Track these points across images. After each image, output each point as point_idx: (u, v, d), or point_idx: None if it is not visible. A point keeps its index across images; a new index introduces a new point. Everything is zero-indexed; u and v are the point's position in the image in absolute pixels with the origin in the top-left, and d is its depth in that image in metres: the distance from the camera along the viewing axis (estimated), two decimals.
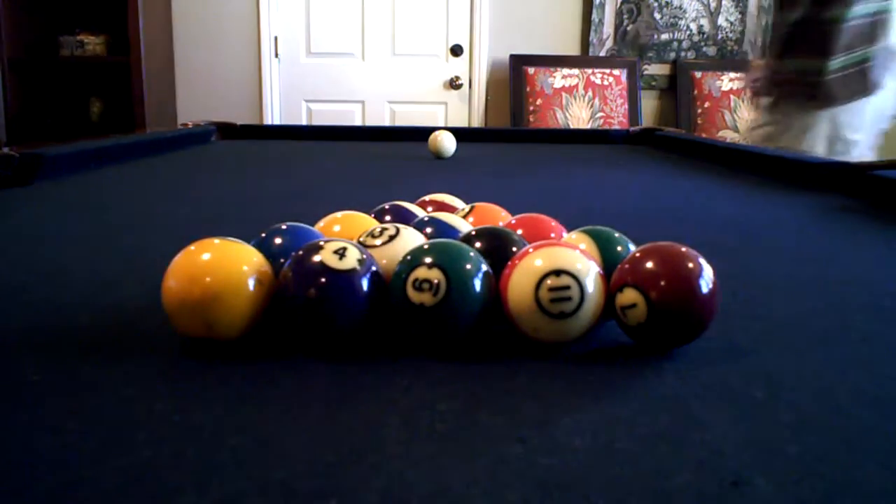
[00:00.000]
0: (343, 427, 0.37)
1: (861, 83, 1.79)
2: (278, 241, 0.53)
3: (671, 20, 3.70)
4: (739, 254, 0.82)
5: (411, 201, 0.71)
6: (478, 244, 0.52)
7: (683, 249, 0.46)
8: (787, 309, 0.60)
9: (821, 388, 0.43)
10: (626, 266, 0.47)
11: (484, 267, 0.47)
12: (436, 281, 0.45)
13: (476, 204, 0.67)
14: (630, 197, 1.28)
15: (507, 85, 3.56)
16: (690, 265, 0.45)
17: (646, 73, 3.71)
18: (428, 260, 0.45)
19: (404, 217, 0.65)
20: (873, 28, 1.78)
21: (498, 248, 0.51)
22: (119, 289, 0.62)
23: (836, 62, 1.79)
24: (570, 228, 0.58)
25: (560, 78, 3.51)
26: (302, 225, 0.55)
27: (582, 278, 0.45)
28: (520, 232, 0.59)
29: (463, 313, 0.45)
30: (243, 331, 0.47)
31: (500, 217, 0.65)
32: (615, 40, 3.68)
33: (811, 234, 0.90)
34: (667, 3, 3.69)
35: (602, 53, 3.67)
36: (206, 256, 0.47)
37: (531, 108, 3.48)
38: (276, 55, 3.59)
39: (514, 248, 0.51)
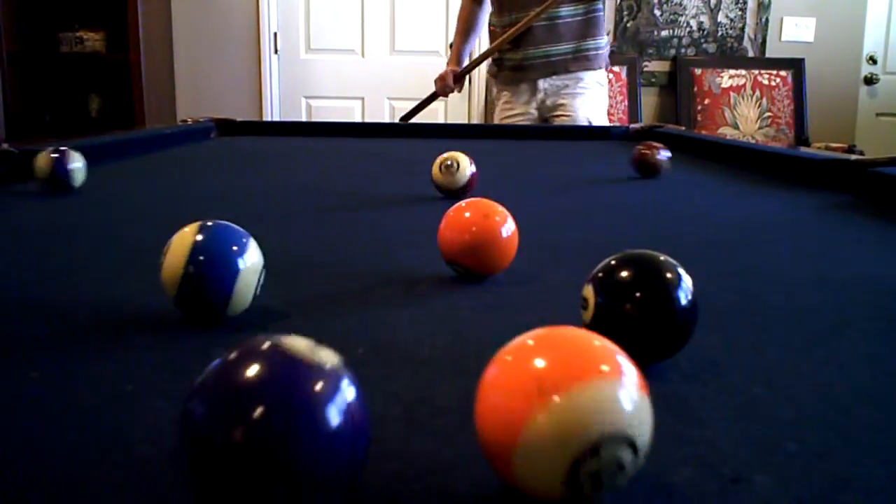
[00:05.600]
0: None
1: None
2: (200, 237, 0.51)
3: (671, 17, 3.70)
4: (739, 251, 0.82)
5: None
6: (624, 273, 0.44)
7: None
8: (786, 306, 0.60)
9: (820, 385, 0.43)
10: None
11: None
12: None
13: (470, 199, 0.67)
14: (630, 195, 1.28)
15: None
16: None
17: (646, 69, 3.70)
18: None
19: None
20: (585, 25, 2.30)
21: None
22: (119, 285, 0.62)
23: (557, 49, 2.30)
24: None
25: None
26: (227, 223, 0.53)
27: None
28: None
29: None
30: None
31: (495, 212, 0.64)
32: (615, 37, 3.67)
33: (811, 230, 0.90)
34: None
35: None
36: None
37: None
38: (276, 51, 3.58)
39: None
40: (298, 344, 0.28)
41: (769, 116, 3.64)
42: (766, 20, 3.75)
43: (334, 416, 0.26)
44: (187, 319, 0.51)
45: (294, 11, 3.58)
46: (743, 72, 3.65)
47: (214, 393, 0.27)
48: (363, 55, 3.63)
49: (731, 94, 3.63)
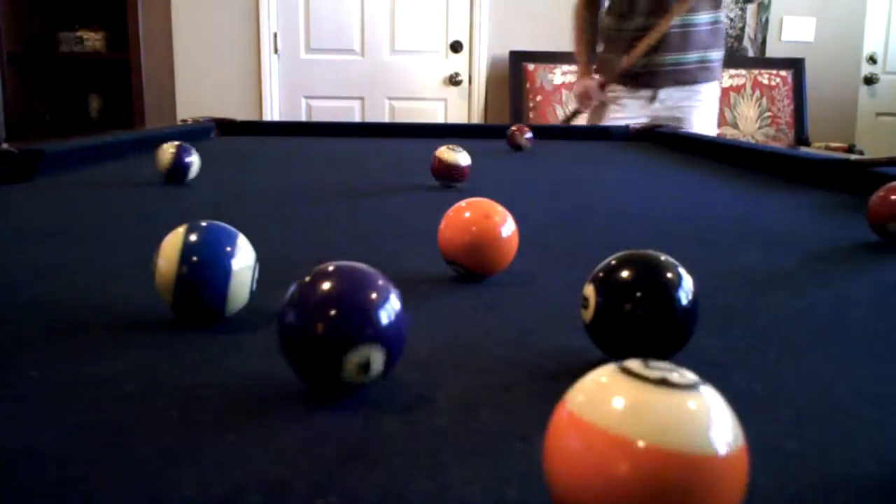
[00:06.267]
0: (343, 423, 0.37)
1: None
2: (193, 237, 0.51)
3: None
4: (739, 250, 0.82)
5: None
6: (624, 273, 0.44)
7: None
8: (786, 306, 0.60)
9: (820, 385, 0.43)
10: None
11: None
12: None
13: (470, 200, 0.67)
14: (631, 194, 1.28)
15: (506, 81, 3.55)
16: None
17: None
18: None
19: None
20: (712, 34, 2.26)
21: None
22: (118, 285, 0.62)
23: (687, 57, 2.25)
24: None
25: (560, 74, 3.50)
26: (216, 222, 0.53)
27: None
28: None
29: None
30: None
31: (495, 212, 0.64)
32: None
33: (811, 230, 0.90)
34: None
35: (602, 50, 3.66)
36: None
37: (531, 104, 3.47)
38: (276, 51, 3.58)
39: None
40: (359, 265, 0.40)
41: (769, 116, 3.64)
42: (766, 20, 3.75)
43: (384, 316, 0.38)
44: (186, 320, 0.51)
45: (294, 11, 3.58)
46: (743, 72, 3.65)
47: (302, 299, 0.38)
48: (363, 55, 3.63)
49: (731, 93, 3.63)
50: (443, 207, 0.67)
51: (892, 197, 0.80)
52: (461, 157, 1.20)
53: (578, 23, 2.40)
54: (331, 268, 0.39)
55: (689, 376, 0.25)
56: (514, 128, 1.88)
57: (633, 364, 0.26)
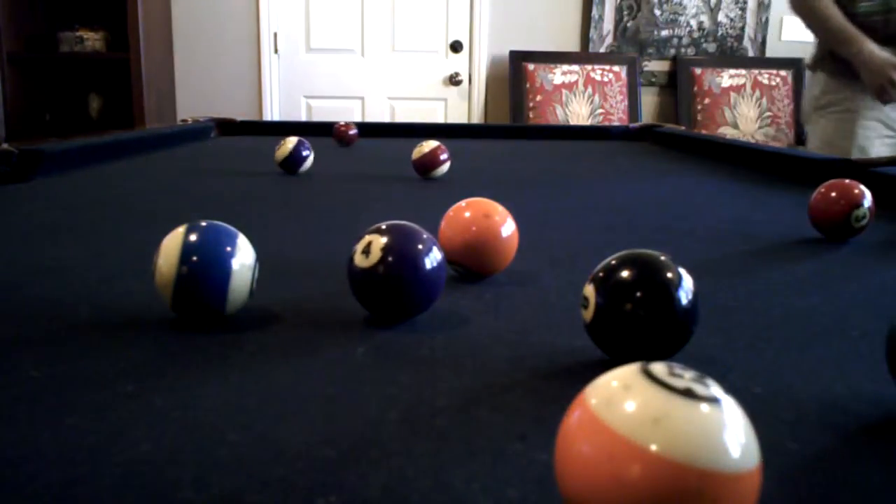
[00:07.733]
0: (342, 423, 0.37)
1: None
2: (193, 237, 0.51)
3: (671, 16, 3.70)
4: (739, 250, 0.82)
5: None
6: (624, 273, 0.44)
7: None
8: (786, 305, 0.60)
9: (820, 385, 0.43)
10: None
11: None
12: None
13: (470, 199, 0.67)
14: (630, 194, 1.28)
15: (506, 81, 3.55)
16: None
17: (646, 69, 3.70)
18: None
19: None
20: None
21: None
22: (118, 284, 0.62)
23: None
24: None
25: (560, 74, 3.50)
26: (216, 222, 0.53)
27: None
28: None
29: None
30: None
31: (495, 211, 0.64)
32: (615, 36, 3.67)
33: (810, 230, 0.90)
34: None
35: (602, 50, 3.66)
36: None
37: (531, 104, 3.47)
38: (276, 51, 3.58)
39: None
40: (411, 225, 0.52)
41: (769, 116, 3.64)
42: (766, 20, 3.75)
43: (429, 261, 0.51)
44: (186, 320, 0.51)
45: (294, 11, 3.58)
46: (743, 71, 3.65)
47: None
48: (363, 55, 3.63)
49: (732, 93, 3.63)
50: (443, 207, 0.67)
51: (833, 193, 0.84)
52: (428, 146, 1.33)
53: (818, 4, 1.82)
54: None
55: (714, 389, 0.25)
56: (340, 125, 2.04)
57: (659, 369, 0.26)
